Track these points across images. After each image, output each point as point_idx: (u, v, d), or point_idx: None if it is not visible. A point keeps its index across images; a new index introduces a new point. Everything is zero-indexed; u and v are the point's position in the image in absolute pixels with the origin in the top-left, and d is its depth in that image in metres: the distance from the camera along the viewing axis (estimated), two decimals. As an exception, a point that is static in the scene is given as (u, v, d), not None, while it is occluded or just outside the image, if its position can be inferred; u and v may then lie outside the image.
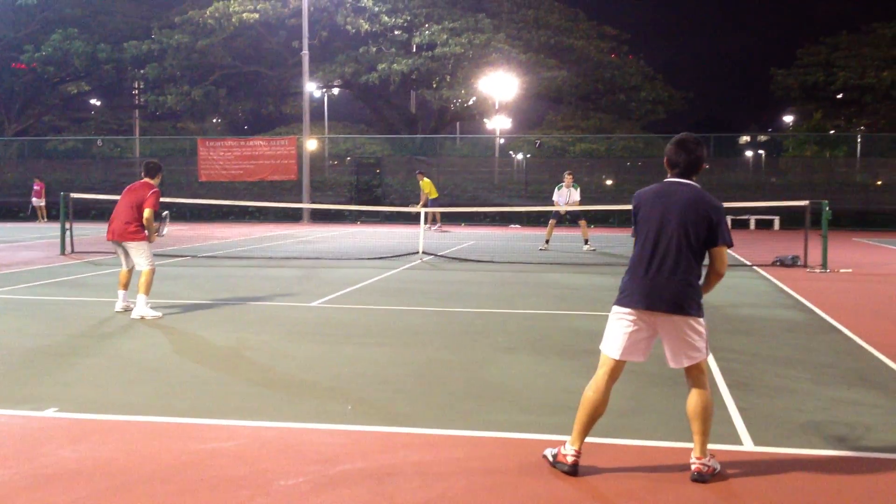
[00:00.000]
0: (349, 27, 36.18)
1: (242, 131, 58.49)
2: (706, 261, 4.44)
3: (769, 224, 28.51)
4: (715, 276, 4.44)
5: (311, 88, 37.48)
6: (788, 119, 55.71)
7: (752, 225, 28.70)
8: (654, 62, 44.36)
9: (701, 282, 4.43)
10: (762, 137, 52.60)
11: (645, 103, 41.03)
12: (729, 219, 29.23)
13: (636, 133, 42.40)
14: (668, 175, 4.47)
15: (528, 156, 39.27)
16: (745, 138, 48.90)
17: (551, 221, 19.02)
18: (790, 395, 6.06)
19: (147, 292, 9.27)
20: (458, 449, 4.79)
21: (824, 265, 14.48)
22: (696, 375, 4.45)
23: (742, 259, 16.74)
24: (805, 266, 14.89)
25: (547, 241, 18.83)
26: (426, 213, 21.74)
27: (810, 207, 15.79)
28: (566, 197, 18.55)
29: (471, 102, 39.87)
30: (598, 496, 4.13)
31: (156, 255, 16.50)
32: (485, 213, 29.26)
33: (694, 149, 4.37)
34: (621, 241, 21.51)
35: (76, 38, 37.81)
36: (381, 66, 36.02)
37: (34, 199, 31.08)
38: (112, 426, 5.14)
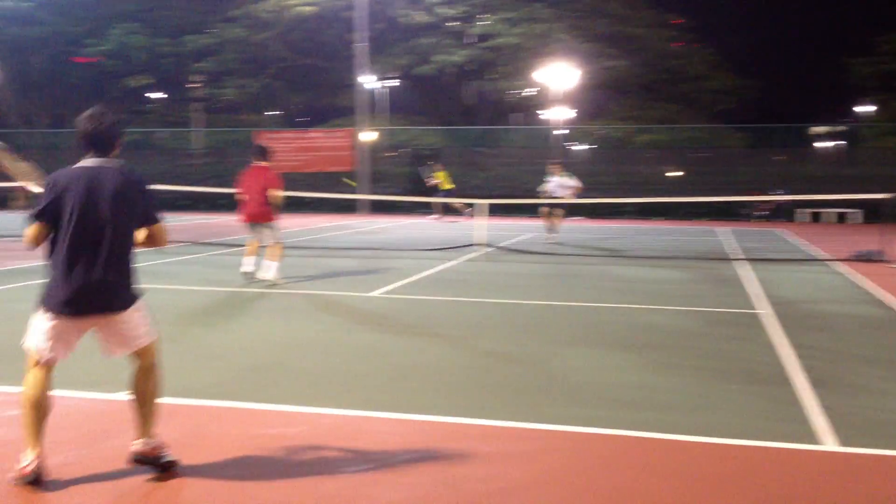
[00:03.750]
0: (405, 19, 36.15)
1: (298, 123, 58.94)
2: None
3: (848, 217, 27.57)
4: (156, 245, 4.09)
5: (367, 80, 37.57)
6: (866, 109, 53.91)
7: (830, 218, 27.80)
8: (722, 50, 43.10)
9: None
10: (838, 128, 50.94)
11: (712, 93, 40.16)
12: (803, 212, 28.15)
13: (702, 123, 41.48)
14: (86, 157, 3.98)
15: (588, 147, 38.77)
16: (821, 129, 47.43)
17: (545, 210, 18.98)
18: (874, 394, 5.79)
19: (278, 260, 10.81)
20: (522, 441, 4.67)
21: (907, 259, 13.93)
22: (145, 356, 4.07)
23: (820, 253, 16.23)
24: (887, 261, 14.33)
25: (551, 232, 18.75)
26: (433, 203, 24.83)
27: (892, 200, 15.21)
28: (558, 186, 18.69)
29: (528, 93, 39.53)
30: (657, 490, 3.97)
31: (215, 244, 16.74)
32: (544, 205, 28.90)
33: (101, 121, 3.98)
34: (688, 233, 21.08)
35: (136, 33, 38.47)
36: (436, 58, 35.95)
37: None
38: (177, 410, 5.11)
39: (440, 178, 27.21)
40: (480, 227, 16.99)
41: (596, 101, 41.61)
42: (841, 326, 8.44)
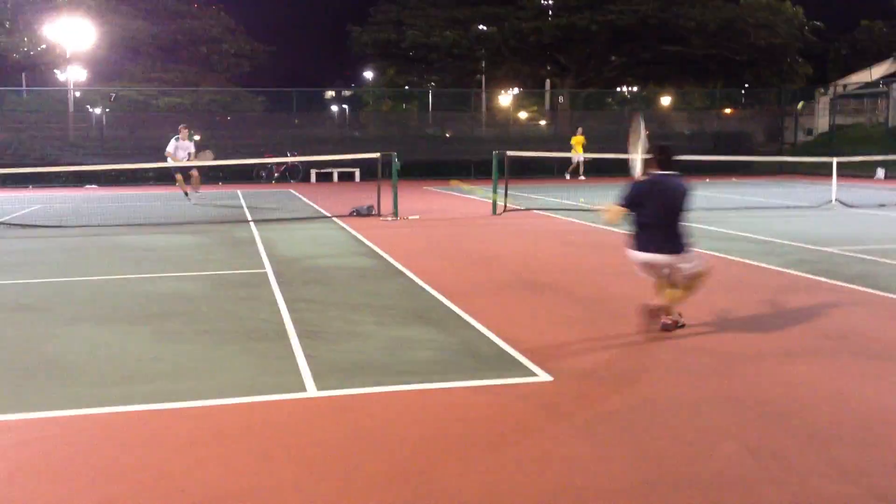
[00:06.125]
0: None
1: None
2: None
3: (351, 177, 29.71)
4: None
5: None
6: (368, 75, 58.41)
7: (336, 178, 29.73)
8: (235, 14, 43.47)
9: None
10: (345, 92, 54.73)
11: (228, 56, 40.32)
12: (314, 172, 29.76)
13: (223, 86, 41.50)
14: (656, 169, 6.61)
15: (107, 111, 36.60)
16: (330, 93, 50.47)
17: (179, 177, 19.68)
18: (355, 338, 6.40)
19: None
20: (10, 434, 4.37)
21: (395, 213, 15.55)
22: (692, 279, 6.61)
23: (322, 210, 17.33)
24: (378, 215, 15.85)
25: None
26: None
27: (383, 159, 16.73)
28: (181, 149, 18.59)
29: (38, 51, 35.98)
30: (142, 463, 4.02)
31: None
32: (56, 174, 26.73)
33: (668, 151, 6.63)
34: (208, 197, 20.99)
35: None
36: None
37: None
38: None
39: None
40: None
41: (113, 62, 39.35)
42: (336, 278, 9.17)
